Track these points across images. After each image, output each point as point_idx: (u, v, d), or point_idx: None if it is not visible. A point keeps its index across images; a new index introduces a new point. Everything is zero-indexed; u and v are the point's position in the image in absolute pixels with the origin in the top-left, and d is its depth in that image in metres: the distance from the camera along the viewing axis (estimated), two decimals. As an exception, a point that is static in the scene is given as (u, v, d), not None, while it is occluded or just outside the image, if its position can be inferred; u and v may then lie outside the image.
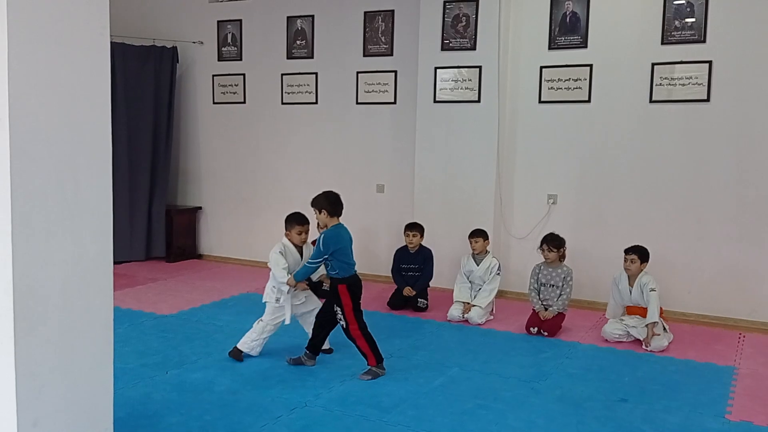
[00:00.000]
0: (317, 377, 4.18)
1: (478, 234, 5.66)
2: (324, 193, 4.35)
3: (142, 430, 3.39)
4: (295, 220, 4.57)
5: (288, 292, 4.41)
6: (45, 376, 2.38)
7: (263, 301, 4.56)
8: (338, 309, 4.22)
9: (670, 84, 5.68)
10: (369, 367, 4.23)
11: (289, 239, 4.56)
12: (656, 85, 5.72)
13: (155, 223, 7.76)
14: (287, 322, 4.49)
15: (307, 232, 4.60)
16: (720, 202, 5.63)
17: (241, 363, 4.41)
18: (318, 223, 4.70)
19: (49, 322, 2.37)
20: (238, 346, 4.51)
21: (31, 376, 2.33)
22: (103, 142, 2.51)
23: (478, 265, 5.63)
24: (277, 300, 4.46)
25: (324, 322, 4.38)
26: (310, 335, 4.46)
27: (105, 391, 2.66)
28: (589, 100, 6.00)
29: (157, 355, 4.54)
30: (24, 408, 2.31)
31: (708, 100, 5.57)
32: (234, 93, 7.74)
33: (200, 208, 8.14)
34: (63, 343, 2.43)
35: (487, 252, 5.68)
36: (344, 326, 4.22)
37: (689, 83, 5.61)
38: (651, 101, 5.76)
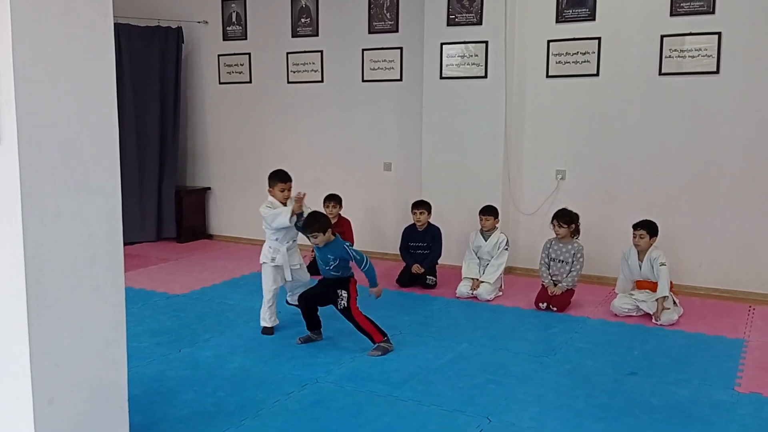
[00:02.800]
0: (328, 354, 4.22)
1: (489, 212, 5.65)
2: (314, 214, 4.36)
3: (157, 407, 3.44)
4: (278, 178, 4.65)
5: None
6: (59, 354, 2.42)
7: (260, 262, 4.73)
8: (344, 294, 4.27)
9: (679, 56, 5.61)
10: (377, 344, 4.26)
11: (273, 196, 4.66)
12: (665, 57, 5.66)
13: (165, 204, 7.80)
14: (288, 278, 4.68)
15: (289, 190, 4.67)
16: (730, 175, 5.59)
17: (252, 341, 4.47)
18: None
19: (61, 302, 2.40)
20: (262, 323, 4.69)
21: (45, 355, 2.36)
22: (108, 122, 2.52)
23: (486, 241, 5.63)
24: (273, 259, 4.63)
25: (315, 305, 4.46)
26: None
27: (119, 368, 2.70)
28: (597, 74, 5.94)
29: (170, 334, 4.60)
30: (39, 386, 2.35)
31: (717, 71, 5.50)
32: (240, 73, 7.72)
33: (209, 188, 8.17)
34: (76, 322, 2.47)
35: (495, 228, 5.68)
36: (345, 307, 4.26)
37: (698, 55, 5.54)
38: (660, 74, 5.70)
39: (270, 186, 4.68)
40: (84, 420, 2.54)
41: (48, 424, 2.40)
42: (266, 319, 4.67)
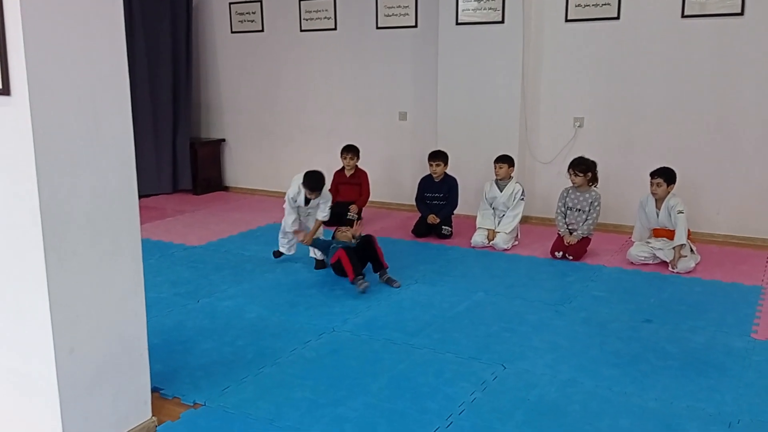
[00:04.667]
0: (344, 304, 4.26)
1: (504, 160, 5.60)
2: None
3: (177, 356, 3.51)
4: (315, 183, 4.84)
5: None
6: (78, 305, 2.46)
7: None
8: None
9: (703, -3, 5.43)
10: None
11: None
12: (689, -2, 5.48)
13: (180, 156, 7.80)
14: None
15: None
16: (751, 121, 5.47)
17: (269, 291, 4.52)
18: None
19: (78, 253, 2.42)
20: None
21: (64, 306, 2.40)
22: (119, 72, 2.49)
23: (501, 191, 5.59)
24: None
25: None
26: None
27: (138, 318, 2.73)
28: (618, 17, 5.78)
29: (189, 285, 4.66)
30: (60, 336, 2.39)
31: (742, 13, 5.32)
32: (252, 21, 7.60)
33: (224, 140, 8.15)
34: (94, 273, 2.49)
35: (510, 178, 5.63)
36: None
37: (724, -5, 5.36)
38: (683, 16, 5.53)
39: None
40: (105, 368, 2.60)
41: (70, 373, 2.46)
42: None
